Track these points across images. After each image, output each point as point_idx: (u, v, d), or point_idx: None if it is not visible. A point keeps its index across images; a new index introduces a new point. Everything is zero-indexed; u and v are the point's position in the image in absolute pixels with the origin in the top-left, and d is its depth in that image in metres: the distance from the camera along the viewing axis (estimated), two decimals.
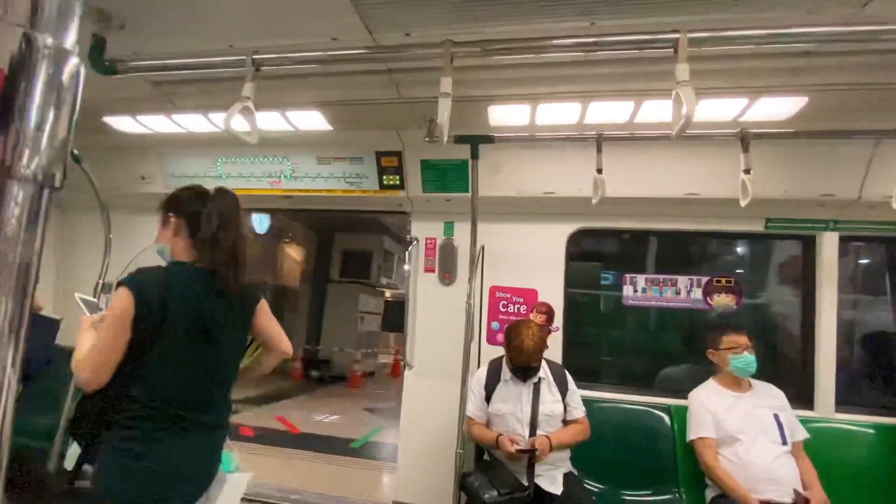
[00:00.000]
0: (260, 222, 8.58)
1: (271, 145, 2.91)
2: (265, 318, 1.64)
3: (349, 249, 9.84)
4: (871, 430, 2.51)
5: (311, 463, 4.18)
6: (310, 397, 7.67)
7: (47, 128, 0.30)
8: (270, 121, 2.51)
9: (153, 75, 2.19)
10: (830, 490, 2.23)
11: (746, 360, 2.29)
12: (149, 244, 3.38)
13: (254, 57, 1.71)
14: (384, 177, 2.89)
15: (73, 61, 0.31)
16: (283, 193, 3.11)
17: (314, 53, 1.74)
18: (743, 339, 2.32)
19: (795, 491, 2.08)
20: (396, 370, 10.48)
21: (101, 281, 2.92)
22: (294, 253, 10.98)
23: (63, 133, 0.30)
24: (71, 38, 0.30)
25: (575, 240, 2.99)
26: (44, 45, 0.29)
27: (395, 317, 9.69)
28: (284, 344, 1.73)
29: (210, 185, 3.13)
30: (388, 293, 12.50)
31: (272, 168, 3.05)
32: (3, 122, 0.28)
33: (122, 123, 2.76)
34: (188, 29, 1.87)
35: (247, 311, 1.59)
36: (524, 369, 2.25)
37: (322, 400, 7.49)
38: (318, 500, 3.25)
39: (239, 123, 1.78)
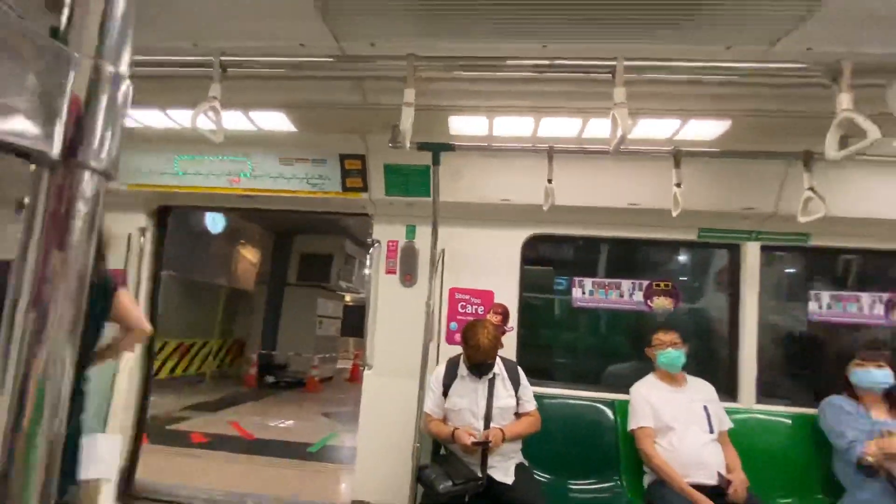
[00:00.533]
0: (214, 222, 8.32)
1: (231, 144, 2.88)
2: (123, 303, 1.91)
3: (308, 252, 9.69)
4: (789, 420, 2.80)
5: (268, 468, 4.12)
6: (265, 403, 7.48)
7: (108, 138, 0.36)
8: (234, 120, 2.52)
9: None
10: (751, 473, 2.48)
11: (671, 355, 2.53)
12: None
13: (221, 59, 1.75)
14: (347, 179, 2.94)
15: (127, 82, 0.38)
16: (243, 192, 3.09)
17: (281, 59, 1.80)
18: (669, 337, 2.56)
19: (719, 474, 2.31)
20: (355, 375, 10.38)
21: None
22: (249, 255, 10.68)
23: (118, 142, 0.37)
24: (125, 64, 0.38)
25: (530, 245, 3.16)
26: (107, 71, 0.36)
27: (355, 321, 9.65)
28: (143, 324, 1.99)
29: (167, 182, 3.10)
30: (347, 297, 12.38)
31: (232, 167, 3.03)
32: (79, 137, 0.34)
33: None
34: (150, 24, 1.87)
35: (106, 298, 1.86)
36: (480, 366, 2.37)
37: (278, 405, 7.33)
38: (275, 503, 3.23)
39: (203, 122, 1.80)
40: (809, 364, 3.21)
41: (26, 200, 0.34)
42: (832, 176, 2.58)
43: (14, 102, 0.31)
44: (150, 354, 3.41)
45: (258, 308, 9.71)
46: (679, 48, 1.74)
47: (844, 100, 1.52)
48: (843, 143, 1.67)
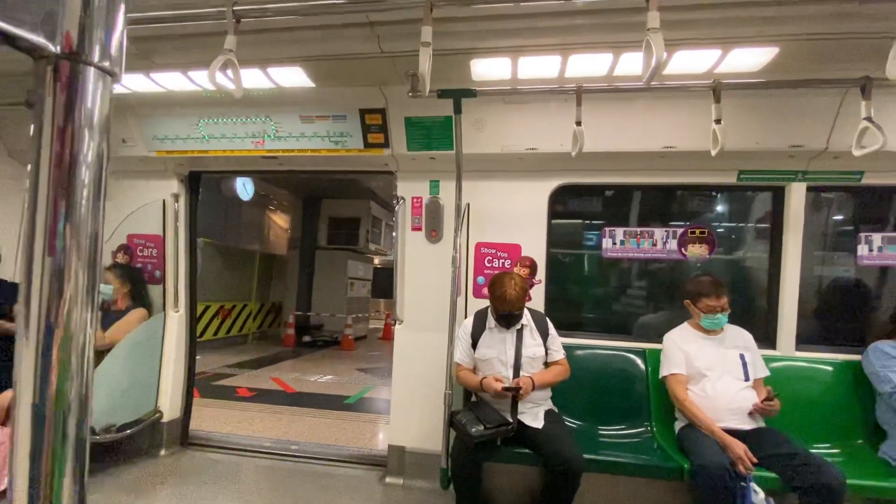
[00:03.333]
0: (245, 189, 8.49)
1: (254, 104, 2.89)
2: None
3: (336, 216, 9.83)
4: (830, 367, 2.72)
5: (309, 418, 4.37)
6: (303, 360, 7.86)
7: (111, 36, 0.35)
8: (252, 78, 2.49)
9: (128, 29, 2.14)
10: (790, 419, 2.45)
11: (718, 320, 2.46)
12: (134, 208, 3.39)
13: (234, 8, 1.70)
14: (368, 135, 2.90)
15: None
16: (267, 154, 3.10)
17: (294, 4, 1.74)
18: (720, 303, 2.44)
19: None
20: (387, 334, 10.72)
21: (102, 241, 2.93)
22: (280, 221, 10.93)
23: (122, 42, 0.36)
24: None
25: (558, 196, 3.07)
26: None
27: (385, 283, 9.84)
28: None
29: (194, 147, 3.14)
30: (376, 259, 12.60)
31: (255, 128, 3.03)
32: (81, 35, 0.33)
33: None
34: None
35: None
36: (507, 317, 2.38)
37: (316, 362, 7.69)
38: (317, 449, 3.44)
39: (222, 79, 1.78)
40: (855, 310, 3.07)
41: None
42: (894, 106, 2.35)
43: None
44: (192, 316, 3.60)
45: (292, 272, 10.03)
46: None
47: None
48: None
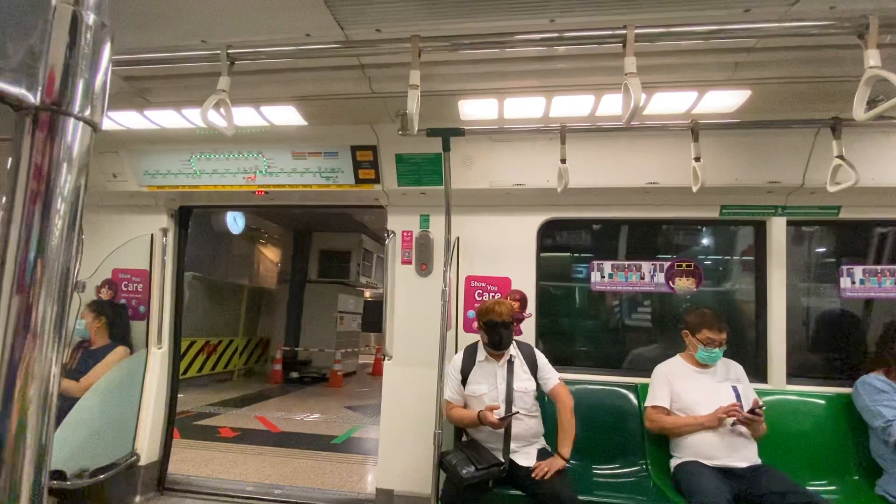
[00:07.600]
0: (235, 223, 8.48)
1: (245, 141, 2.94)
2: None
3: (327, 249, 9.80)
4: (822, 401, 2.70)
5: (294, 460, 4.19)
6: (290, 398, 7.62)
7: (93, 87, 0.35)
8: (245, 116, 2.54)
9: (124, 70, 2.19)
10: (784, 455, 2.41)
11: (715, 355, 2.46)
12: (122, 243, 3.36)
13: (228, 51, 1.76)
14: (360, 171, 2.95)
15: (108, 31, 0.37)
16: (259, 189, 3.13)
17: (287, 48, 1.80)
18: (721, 336, 2.44)
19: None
20: (377, 369, 10.49)
21: (74, 280, 2.87)
22: (270, 254, 10.88)
23: (104, 92, 0.36)
24: (106, 12, 0.37)
25: (546, 231, 3.11)
26: (87, 18, 0.35)
27: (376, 317, 9.71)
28: None
29: (185, 182, 3.15)
30: (367, 293, 12.50)
31: (247, 164, 3.06)
32: (63, 85, 0.33)
33: None
34: (160, 23, 1.90)
35: None
36: (495, 332, 2.35)
37: (303, 400, 7.46)
38: (302, 493, 3.29)
39: (214, 117, 1.82)
40: (842, 343, 3.08)
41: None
42: (863, 144, 2.46)
43: None
44: (176, 353, 3.50)
45: (280, 306, 9.88)
46: (693, 14, 1.68)
47: (872, 56, 1.44)
48: (873, 106, 1.58)
